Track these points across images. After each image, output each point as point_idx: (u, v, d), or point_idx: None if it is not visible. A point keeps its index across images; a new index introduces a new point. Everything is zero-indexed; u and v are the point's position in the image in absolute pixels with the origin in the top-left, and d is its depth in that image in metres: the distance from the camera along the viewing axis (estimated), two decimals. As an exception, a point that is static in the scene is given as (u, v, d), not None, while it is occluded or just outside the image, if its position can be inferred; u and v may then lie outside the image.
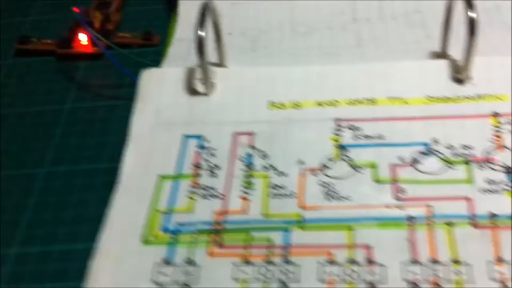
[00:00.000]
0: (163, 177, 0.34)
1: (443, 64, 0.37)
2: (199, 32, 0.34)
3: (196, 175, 0.34)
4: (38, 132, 0.39)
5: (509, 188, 0.31)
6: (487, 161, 0.32)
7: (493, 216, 0.30)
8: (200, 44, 0.35)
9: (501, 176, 0.32)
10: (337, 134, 0.35)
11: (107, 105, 0.40)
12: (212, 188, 0.33)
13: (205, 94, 0.37)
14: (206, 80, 0.37)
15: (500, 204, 0.30)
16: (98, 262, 0.30)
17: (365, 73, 0.37)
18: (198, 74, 0.37)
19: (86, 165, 0.37)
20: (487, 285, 0.28)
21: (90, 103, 0.41)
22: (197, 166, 0.34)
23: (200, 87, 0.37)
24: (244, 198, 0.32)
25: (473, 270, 0.28)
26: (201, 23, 0.35)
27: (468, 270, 0.28)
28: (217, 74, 0.38)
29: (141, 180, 0.34)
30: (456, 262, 0.29)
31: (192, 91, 0.37)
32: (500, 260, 0.28)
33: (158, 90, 0.37)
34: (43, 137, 0.39)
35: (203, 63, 0.35)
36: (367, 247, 0.30)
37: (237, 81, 0.37)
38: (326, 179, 0.33)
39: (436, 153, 0.33)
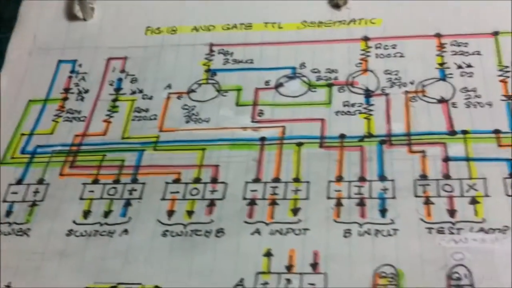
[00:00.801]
0: (32, 101, 0.34)
1: (321, -11, 0.36)
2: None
3: (65, 98, 0.34)
4: None
5: (365, 110, 0.31)
6: (348, 84, 0.32)
7: (342, 137, 0.30)
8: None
9: (359, 99, 0.32)
10: (208, 59, 0.35)
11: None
12: (77, 112, 0.33)
13: (83, 19, 0.37)
14: (83, 5, 0.36)
15: (353, 126, 0.31)
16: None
17: (244, -2, 0.36)
18: (78, -1, 0.37)
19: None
20: (322, 202, 0.28)
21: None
22: (67, 90, 0.34)
23: (78, 12, 0.37)
24: (107, 121, 0.33)
25: (311, 187, 0.28)
26: None
27: (307, 188, 0.29)
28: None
29: (11, 104, 0.34)
30: (297, 180, 0.29)
31: (71, 16, 0.37)
32: (340, 179, 0.29)
33: (37, 15, 0.37)
34: None
35: (76, -14, 0.35)
36: (215, 167, 0.30)
37: (116, 6, 0.37)
38: (190, 103, 0.33)
39: (301, 76, 0.33)
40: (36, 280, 0.27)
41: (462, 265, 0.25)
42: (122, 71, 0.35)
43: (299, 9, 0.36)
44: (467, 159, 0.29)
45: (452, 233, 0.26)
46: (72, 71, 0.35)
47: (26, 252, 0.28)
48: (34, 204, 0.30)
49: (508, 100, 0.30)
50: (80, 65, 0.35)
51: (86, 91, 0.34)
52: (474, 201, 0.27)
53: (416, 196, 0.28)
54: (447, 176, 0.28)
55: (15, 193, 0.30)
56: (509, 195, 0.27)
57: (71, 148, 0.32)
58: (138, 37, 0.36)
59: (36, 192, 0.30)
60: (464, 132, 0.29)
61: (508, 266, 0.25)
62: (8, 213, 0.29)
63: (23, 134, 0.33)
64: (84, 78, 0.35)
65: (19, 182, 0.31)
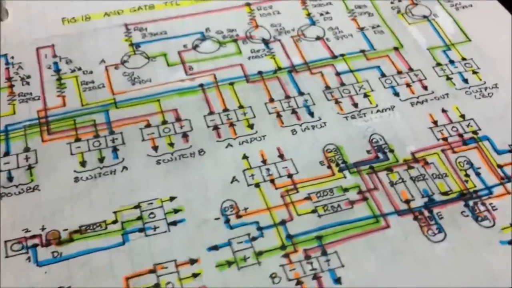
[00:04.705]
0: (-18, 93, 0.37)
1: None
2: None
3: (11, 86, 0.38)
4: None
5: (268, 53, 0.41)
6: (248, 38, 0.42)
7: (260, 73, 0.40)
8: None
9: (261, 46, 0.41)
10: (128, 36, 0.41)
11: None
12: (29, 94, 0.37)
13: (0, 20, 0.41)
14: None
15: (264, 64, 0.40)
16: None
17: (141, -15, 0.44)
18: (-11, 3, 0.40)
19: None
20: (266, 117, 0.37)
21: None
22: (9, 79, 0.38)
23: (-6, 14, 0.41)
24: (61, 96, 0.37)
25: (254, 109, 0.37)
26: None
27: (251, 110, 0.37)
28: (7, 1, 0.41)
29: None
30: (241, 107, 0.38)
31: (-13, 19, 0.41)
32: (272, 100, 0.38)
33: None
34: None
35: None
36: (174, 110, 0.37)
37: (26, 6, 0.42)
38: (128, 70, 0.39)
39: (210, 38, 0.42)
40: (58, 221, 0.31)
41: (375, 133, 0.36)
42: (54, 56, 0.40)
43: (188, -10, 0.44)
44: (351, 71, 0.40)
45: (361, 117, 0.37)
46: (7, 63, 0.39)
47: (41, 202, 0.32)
48: (30, 167, 0.34)
49: (362, 31, 0.43)
50: (12, 57, 0.39)
51: (28, 77, 0.38)
52: (366, 95, 0.39)
53: (328, 100, 0.38)
54: (342, 84, 0.39)
55: (7, 163, 0.34)
56: (385, 87, 0.39)
57: (39, 120, 0.36)
58: (57, 28, 0.41)
59: (27, 158, 0.34)
60: (342, 55, 0.41)
61: (401, 125, 0.37)
62: (10, 179, 0.33)
63: (-14, 121, 0.36)
64: (21, 67, 0.39)
65: (6, 154, 0.34)
